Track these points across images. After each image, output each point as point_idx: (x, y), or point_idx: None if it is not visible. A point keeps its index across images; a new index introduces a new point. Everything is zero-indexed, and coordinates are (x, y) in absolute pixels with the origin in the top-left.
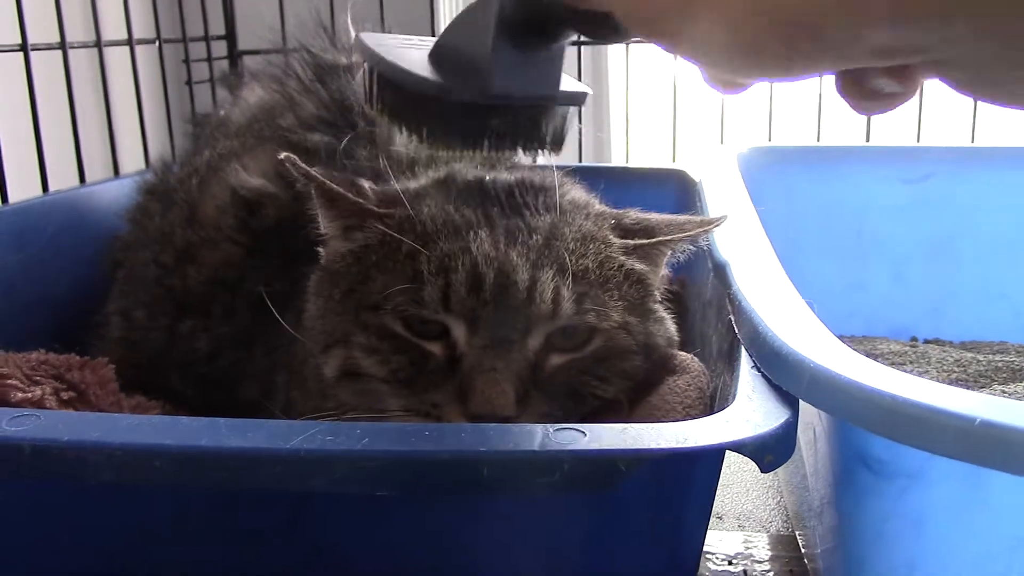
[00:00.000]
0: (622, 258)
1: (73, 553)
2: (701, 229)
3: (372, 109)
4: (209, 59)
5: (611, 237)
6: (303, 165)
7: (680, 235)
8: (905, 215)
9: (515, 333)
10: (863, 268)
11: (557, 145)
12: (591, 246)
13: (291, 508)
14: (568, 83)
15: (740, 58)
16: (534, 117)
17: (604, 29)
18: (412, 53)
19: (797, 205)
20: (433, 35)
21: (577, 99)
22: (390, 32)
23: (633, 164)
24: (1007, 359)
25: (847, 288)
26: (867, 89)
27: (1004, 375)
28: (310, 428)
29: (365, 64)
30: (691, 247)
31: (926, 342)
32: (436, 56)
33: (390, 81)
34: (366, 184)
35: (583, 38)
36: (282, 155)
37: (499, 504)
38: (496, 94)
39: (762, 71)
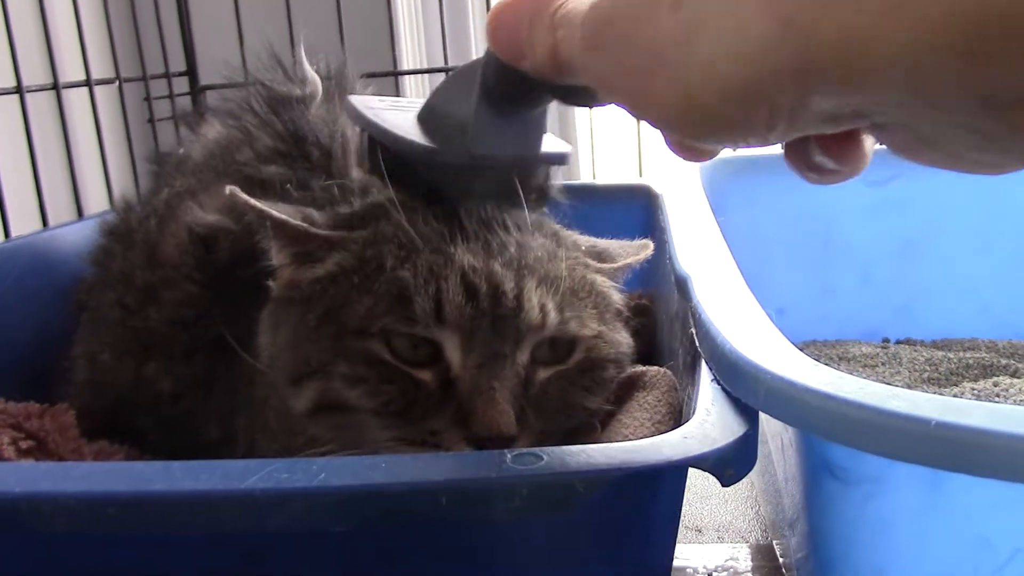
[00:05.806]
0: (587, 273)
1: None
2: (644, 255)
3: (367, 171)
4: (171, 96)
5: (574, 253)
6: (245, 196)
7: (632, 259)
8: (871, 217)
9: (507, 346)
10: (832, 272)
11: (541, 202)
12: (560, 259)
13: (250, 546)
14: (550, 143)
15: (697, 126)
16: (518, 177)
17: (582, 98)
18: (400, 116)
19: (763, 214)
20: (394, 68)
21: (559, 159)
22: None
23: (600, 180)
24: (977, 355)
25: (817, 293)
26: (811, 162)
27: (975, 372)
28: (266, 467)
29: (358, 127)
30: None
31: (897, 343)
32: (424, 119)
33: (380, 144)
34: (315, 213)
35: None
36: (228, 188)
37: (458, 532)
38: (479, 155)
39: (717, 137)
